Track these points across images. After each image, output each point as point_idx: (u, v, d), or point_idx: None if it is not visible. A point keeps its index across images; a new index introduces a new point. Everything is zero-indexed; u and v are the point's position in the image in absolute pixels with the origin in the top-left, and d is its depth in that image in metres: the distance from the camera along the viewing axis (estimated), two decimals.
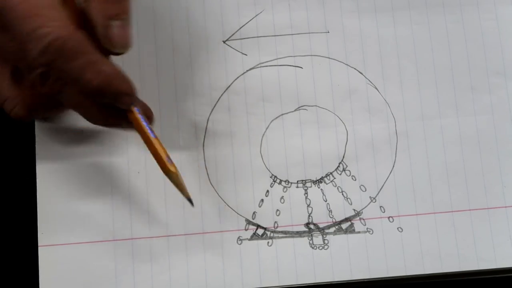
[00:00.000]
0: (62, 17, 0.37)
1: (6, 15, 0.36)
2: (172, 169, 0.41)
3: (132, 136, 0.46)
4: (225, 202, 0.46)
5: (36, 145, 0.46)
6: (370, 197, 0.46)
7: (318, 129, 0.47)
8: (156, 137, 0.41)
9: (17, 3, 0.36)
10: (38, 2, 0.36)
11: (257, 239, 0.46)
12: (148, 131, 0.41)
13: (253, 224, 0.46)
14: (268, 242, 0.45)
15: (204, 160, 0.46)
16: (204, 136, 0.47)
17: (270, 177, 0.46)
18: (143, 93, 0.47)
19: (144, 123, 0.41)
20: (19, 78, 0.40)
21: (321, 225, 0.46)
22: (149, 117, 0.42)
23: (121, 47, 0.39)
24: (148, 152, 0.46)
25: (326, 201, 0.46)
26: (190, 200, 0.43)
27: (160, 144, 0.41)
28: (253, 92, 0.47)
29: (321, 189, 0.46)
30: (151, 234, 0.45)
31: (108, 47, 0.39)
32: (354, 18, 0.49)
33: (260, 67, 0.48)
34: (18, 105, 0.41)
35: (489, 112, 0.47)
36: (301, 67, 0.48)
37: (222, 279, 0.45)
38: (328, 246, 0.45)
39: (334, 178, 0.47)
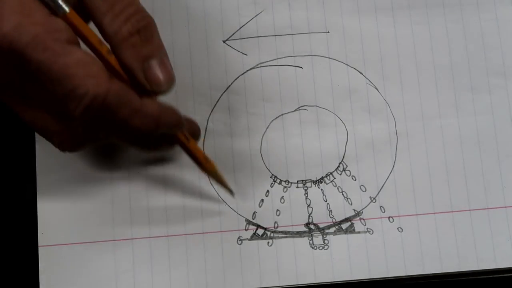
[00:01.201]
0: (96, 72, 0.36)
1: (42, 77, 0.35)
2: (213, 169, 0.44)
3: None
4: (225, 202, 0.46)
5: (36, 145, 0.46)
6: (370, 197, 0.46)
7: (318, 129, 0.47)
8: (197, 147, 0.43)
9: (51, 64, 0.35)
10: (71, 60, 0.35)
11: (257, 239, 0.46)
12: (195, 148, 0.43)
13: (253, 224, 0.46)
14: (268, 242, 0.46)
15: None
16: (204, 136, 0.47)
17: (270, 177, 0.46)
18: None
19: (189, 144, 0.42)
20: (64, 115, 0.38)
21: (321, 225, 0.46)
22: (195, 133, 0.43)
23: (165, 85, 0.38)
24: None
25: (326, 201, 0.46)
26: (231, 191, 0.45)
27: (198, 148, 0.43)
28: (253, 92, 0.47)
29: (321, 189, 0.46)
30: (151, 234, 0.45)
31: (152, 89, 0.38)
32: (354, 18, 0.49)
33: (260, 67, 0.48)
34: (65, 141, 0.40)
35: (489, 112, 0.47)
36: (301, 67, 0.48)
37: (222, 279, 0.45)
38: (328, 246, 0.45)
39: (334, 178, 0.47)
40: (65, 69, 0.35)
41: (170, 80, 0.38)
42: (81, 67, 0.36)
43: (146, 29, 0.37)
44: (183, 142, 0.42)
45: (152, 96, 0.39)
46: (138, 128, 0.38)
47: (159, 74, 0.38)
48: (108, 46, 0.38)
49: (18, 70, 0.36)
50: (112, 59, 0.38)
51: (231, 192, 0.45)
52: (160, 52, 0.38)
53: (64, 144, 0.40)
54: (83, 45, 0.37)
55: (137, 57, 0.37)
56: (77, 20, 0.37)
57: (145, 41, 0.37)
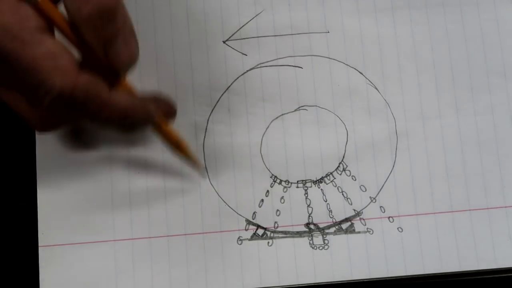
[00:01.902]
0: (65, 65, 0.36)
1: (12, 65, 0.35)
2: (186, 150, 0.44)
3: (133, 137, 0.46)
4: (225, 202, 0.46)
5: (36, 146, 0.46)
6: (370, 197, 0.46)
7: (318, 129, 0.47)
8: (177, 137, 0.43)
9: (19, 54, 0.35)
10: (39, 52, 0.35)
11: (257, 239, 0.46)
12: (170, 131, 0.43)
13: (253, 224, 0.46)
14: (268, 242, 0.46)
15: (204, 160, 0.46)
16: (204, 136, 0.47)
17: (270, 177, 0.46)
18: None
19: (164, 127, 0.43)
20: (35, 101, 0.38)
21: (321, 225, 0.46)
22: (171, 113, 0.43)
23: (127, 64, 0.38)
24: (148, 153, 0.46)
25: (326, 201, 0.46)
26: (202, 172, 0.45)
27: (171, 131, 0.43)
28: (253, 92, 0.47)
29: (321, 189, 0.46)
30: (151, 234, 0.45)
31: (116, 68, 0.38)
32: (354, 18, 0.49)
33: (260, 67, 0.48)
34: (40, 122, 0.40)
35: (489, 112, 0.47)
36: (301, 67, 0.48)
37: (222, 279, 0.45)
38: (328, 246, 0.45)
39: (334, 178, 0.47)
40: (33, 60, 0.35)
41: (130, 61, 0.38)
42: (49, 59, 0.35)
43: (108, 10, 0.36)
44: (157, 125, 0.42)
45: (124, 89, 0.39)
46: (106, 120, 0.38)
47: (117, 55, 0.37)
48: None
49: None
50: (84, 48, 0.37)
51: (202, 171, 0.45)
52: (122, 32, 0.37)
53: (39, 125, 0.40)
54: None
55: (97, 38, 0.36)
56: (48, 7, 0.36)
57: (106, 23, 0.36)
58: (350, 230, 0.46)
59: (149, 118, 0.40)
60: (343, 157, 0.47)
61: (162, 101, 0.42)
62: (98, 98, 0.37)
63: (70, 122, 0.42)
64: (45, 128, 0.41)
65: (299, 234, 0.46)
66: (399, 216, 0.46)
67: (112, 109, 0.38)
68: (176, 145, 0.44)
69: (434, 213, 0.46)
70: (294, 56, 0.48)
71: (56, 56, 0.36)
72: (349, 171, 0.47)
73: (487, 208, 0.46)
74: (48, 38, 0.36)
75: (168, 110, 0.43)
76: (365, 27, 0.48)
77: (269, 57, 0.48)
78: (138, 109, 0.39)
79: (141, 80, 0.47)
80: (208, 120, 0.47)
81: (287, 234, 0.46)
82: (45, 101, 0.36)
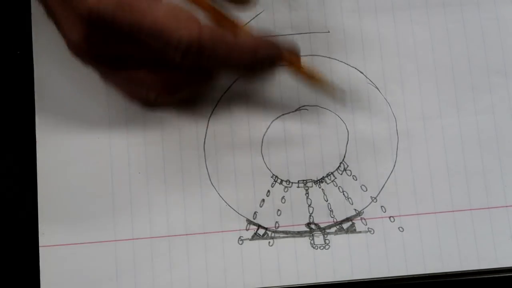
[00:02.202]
0: (186, 19, 0.38)
1: (136, 36, 0.38)
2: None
3: (133, 137, 0.46)
4: (226, 202, 0.46)
5: (37, 146, 0.46)
6: (371, 196, 0.46)
7: (319, 129, 0.47)
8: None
9: (141, 22, 0.37)
10: (159, 14, 0.37)
11: (258, 239, 0.46)
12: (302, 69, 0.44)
13: (254, 224, 0.46)
14: (269, 242, 0.45)
15: (205, 160, 0.46)
16: (205, 136, 0.47)
17: (271, 177, 0.46)
18: None
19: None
20: (164, 64, 0.40)
21: (322, 225, 0.46)
22: (296, 55, 0.43)
23: None
24: (149, 153, 0.46)
25: (327, 201, 0.46)
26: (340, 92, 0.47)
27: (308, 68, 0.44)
28: (254, 92, 0.47)
29: (322, 189, 0.46)
30: (152, 234, 0.45)
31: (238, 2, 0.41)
32: (355, 18, 0.49)
33: None
34: (162, 92, 0.42)
35: (490, 111, 0.47)
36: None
37: (223, 279, 0.45)
38: (329, 246, 0.45)
39: (335, 178, 0.47)
40: (156, 24, 0.37)
41: None
42: (170, 18, 0.38)
43: None
44: (287, 61, 0.43)
45: (247, 32, 0.41)
46: (237, 63, 0.40)
47: None
48: None
49: (112, 35, 0.37)
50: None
51: (341, 96, 0.47)
52: None
53: (162, 95, 0.42)
54: None
55: None
56: None
57: None
58: (351, 230, 0.46)
59: (277, 52, 0.42)
60: (344, 156, 0.47)
61: (285, 43, 0.43)
62: (225, 42, 0.39)
63: (196, 81, 0.43)
64: (168, 96, 0.43)
65: (300, 234, 0.46)
66: (400, 215, 0.46)
67: (241, 50, 0.40)
68: (312, 78, 0.44)
69: (435, 212, 0.46)
70: None
71: (175, 14, 0.38)
72: (350, 170, 0.47)
73: (488, 208, 0.46)
74: (163, 2, 0.38)
75: (291, 48, 0.43)
76: (366, 27, 0.48)
77: None
78: (265, 45, 0.41)
79: None
80: (208, 120, 0.47)
81: (288, 234, 0.46)
82: (176, 58, 0.38)
